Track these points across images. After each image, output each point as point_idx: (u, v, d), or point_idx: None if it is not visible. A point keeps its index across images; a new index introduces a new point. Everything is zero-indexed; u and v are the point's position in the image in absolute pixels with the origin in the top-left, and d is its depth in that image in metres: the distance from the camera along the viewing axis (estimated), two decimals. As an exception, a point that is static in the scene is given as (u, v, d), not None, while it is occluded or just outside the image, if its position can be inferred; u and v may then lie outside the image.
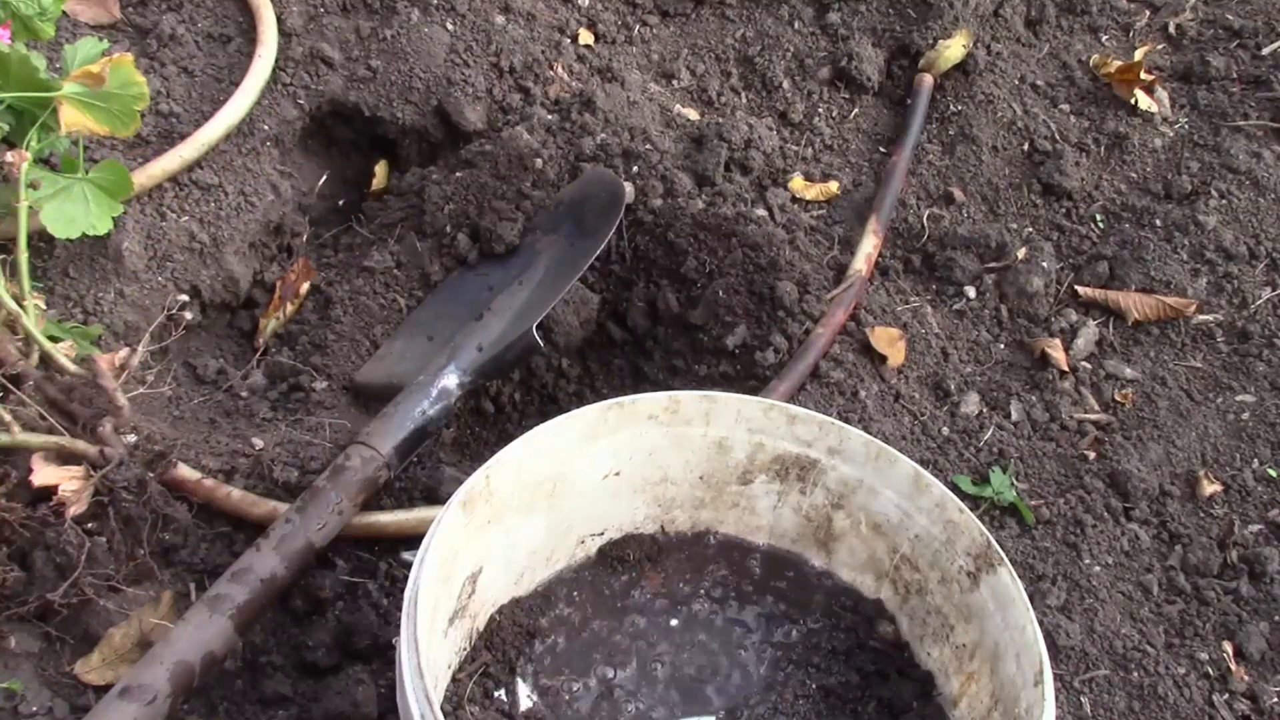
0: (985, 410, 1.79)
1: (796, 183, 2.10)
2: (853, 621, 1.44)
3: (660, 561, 1.48)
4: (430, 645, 1.17)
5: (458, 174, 1.92)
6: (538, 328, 1.66)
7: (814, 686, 1.38)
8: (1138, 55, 2.33)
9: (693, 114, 2.17)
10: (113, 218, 1.61)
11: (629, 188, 1.89)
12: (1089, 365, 1.86)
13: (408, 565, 1.44)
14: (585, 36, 2.25)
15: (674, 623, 1.43)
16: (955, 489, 1.66)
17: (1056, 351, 1.86)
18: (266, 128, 1.97)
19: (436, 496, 1.57)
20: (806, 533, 1.48)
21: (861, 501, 1.42)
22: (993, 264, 1.98)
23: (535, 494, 1.35)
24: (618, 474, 1.42)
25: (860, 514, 1.43)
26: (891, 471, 1.38)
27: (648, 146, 1.98)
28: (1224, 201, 2.07)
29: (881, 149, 2.20)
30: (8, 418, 1.39)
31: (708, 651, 1.40)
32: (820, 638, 1.42)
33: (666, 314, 1.87)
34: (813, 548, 1.49)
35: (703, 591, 1.46)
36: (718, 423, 1.42)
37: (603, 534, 1.47)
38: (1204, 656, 1.53)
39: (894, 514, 1.39)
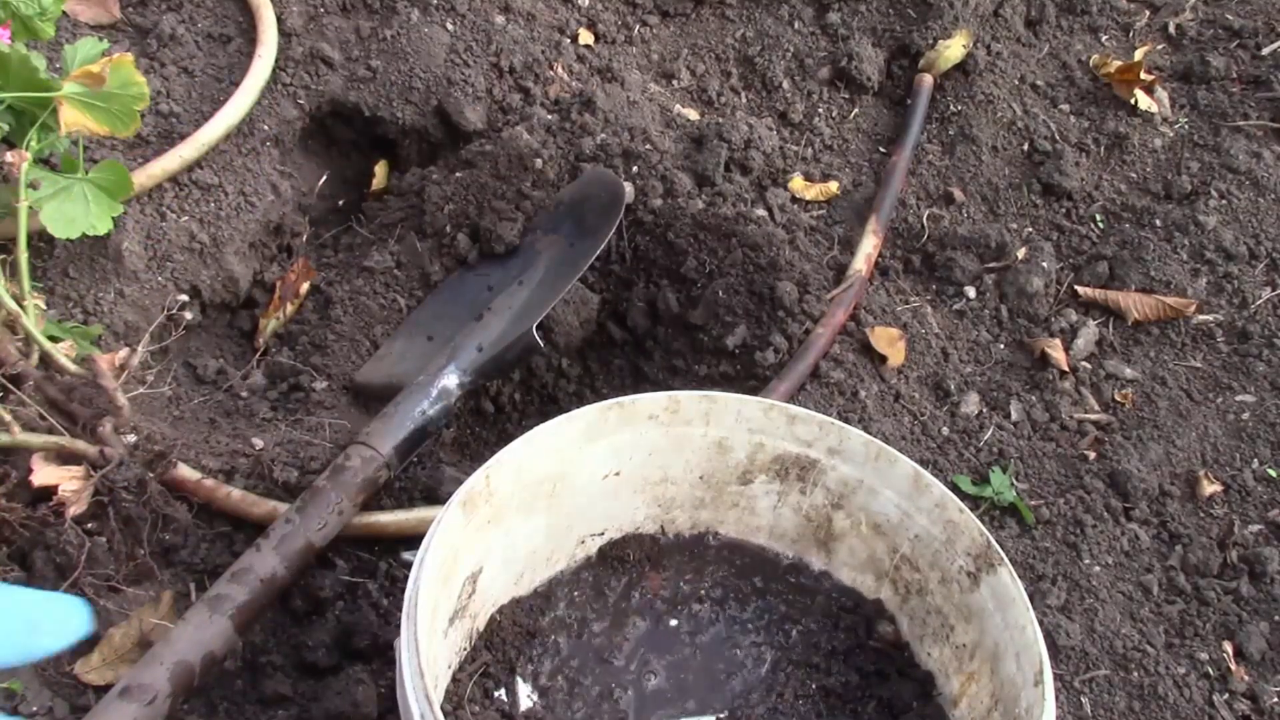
0: (985, 410, 1.79)
1: (796, 183, 2.10)
2: (853, 622, 1.44)
3: (660, 562, 1.48)
4: (430, 645, 1.17)
5: (458, 174, 1.92)
6: (538, 328, 1.65)
7: (814, 687, 1.38)
8: (1138, 55, 2.33)
9: (693, 114, 2.17)
10: (113, 218, 1.60)
11: (629, 188, 1.89)
12: (1089, 365, 1.86)
13: (408, 565, 1.44)
14: (585, 36, 2.25)
15: (674, 623, 1.43)
16: (955, 489, 1.66)
17: (1056, 351, 1.86)
18: (266, 128, 1.97)
19: (436, 496, 1.57)
20: (807, 533, 1.48)
21: (861, 501, 1.42)
22: (993, 264, 1.98)
23: (535, 494, 1.35)
24: (618, 474, 1.42)
25: (860, 514, 1.43)
26: (891, 471, 1.38)
27: (648, 146, 1.98)
28: (1224, 201, 2.07)
29: (881, 149, 2.20)
30: (8, 418, 1.39)
31: (708, 652, 1.40)
32: (820, 638, 1.42)
33: (666, 314, 1.87)
34: (813, 548, 1.49)
35: (703, 592, 1.46)
36: (718, 423, 1.42)
37: (603, 534, 1.47)
38: (1204, 656, 1.53)
39: (894, 514, 1.39)
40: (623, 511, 1.46)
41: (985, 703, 1.28)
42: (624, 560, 1.46)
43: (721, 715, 1.34)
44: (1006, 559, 1.28)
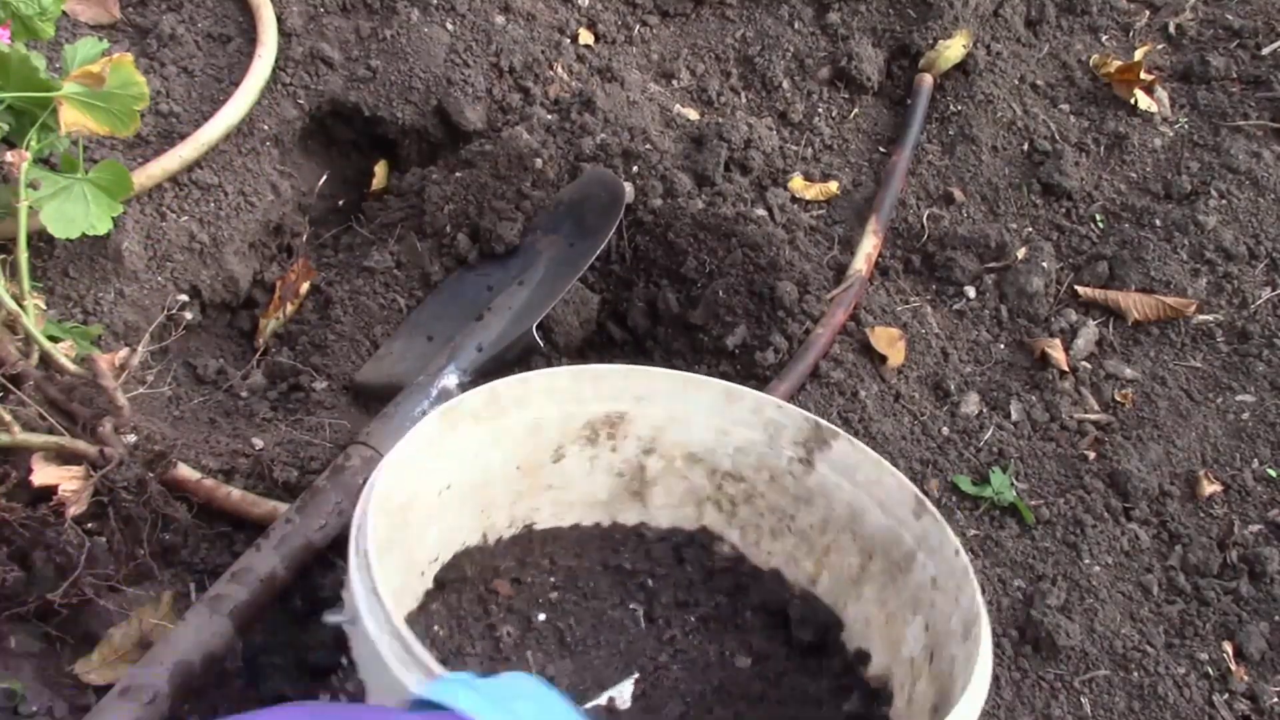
0: (985, 410, 1.79)
1: (796, 183, 2.10)
2: (695, 554, 1.47)
3: (497, 568, 1.43)
4: None
5: (458, 174, 1.92)
6: (538, 328, 1.66)
7: (693, 619, 1.42)
8: (1138, 55, 2.33)
9: (693, 114, 2.17)
10: (113, 218, 1.60)
11: (629, 188, 1.89)
12: (1089, 365, 1.86)
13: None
14: (585, 36, 2.25)
15: (541, 617, 1.41)
16: (955, 489, 1.67)
17: (1056, 351, 1.86)
18: (266, 128, 1.97)
19: (436, 496, 1.57)
20: (619, 489, 1.48)
21: (674, 438, 1.44)
22: (993, 264, 1.98)
23: (394, 526, 1.25)
24: (449, 487, 1.35)
25: (674, 450, 1.45)
26: (701, 396, 1.40)
27: (648, 146, 1.98)
28: (1224, 201, 2.07)
29: (881, 149, 2.20)
30: (8, 418, 1.39)
31: (585, 631, 1.40)
32: (674, 578, 1.45)
33: (666, 314, 1.87)
34: (626, 501, 1.49)
35: (552, 580, 1.45)
36: (531, 404, 1.39)
37: (436, 560, 1.38)
38: (1204, 656, 1.53)
39: (709, 437, 1.41)
40: (451, 529, 1.38)
41: (854, 564, 1.31)
42: (464, 579, 1.39)
43: (635, 675, 1.34)
44: (842, 431, 1.32)
